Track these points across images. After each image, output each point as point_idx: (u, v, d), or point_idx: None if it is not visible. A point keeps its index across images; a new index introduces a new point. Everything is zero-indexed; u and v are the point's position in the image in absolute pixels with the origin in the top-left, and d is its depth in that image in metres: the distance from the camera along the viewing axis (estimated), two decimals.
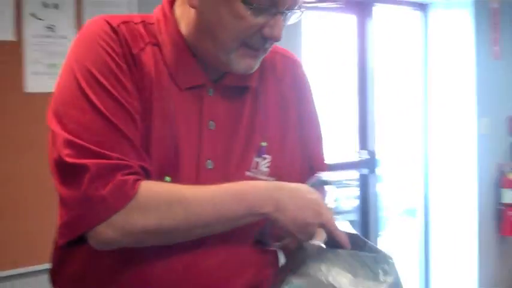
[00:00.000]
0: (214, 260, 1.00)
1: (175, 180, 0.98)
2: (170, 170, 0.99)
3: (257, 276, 1.06)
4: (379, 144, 3.89)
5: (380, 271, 0.97)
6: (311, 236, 0.97)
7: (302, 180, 1.05)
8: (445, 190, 4.06)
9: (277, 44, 1.06)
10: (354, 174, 3.81)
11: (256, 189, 0.98)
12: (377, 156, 3.84)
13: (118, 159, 0.92)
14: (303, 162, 1.14)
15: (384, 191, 5.14)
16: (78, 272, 1.02)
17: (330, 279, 0.95)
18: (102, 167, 0.91)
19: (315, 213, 0.98)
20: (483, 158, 3.96)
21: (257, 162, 1.06)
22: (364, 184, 3.77)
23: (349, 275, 0.96)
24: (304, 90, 1.17)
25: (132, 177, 0.92)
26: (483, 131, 3.97)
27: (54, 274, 1.08)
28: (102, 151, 0.92)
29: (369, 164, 3.75)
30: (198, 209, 0.94)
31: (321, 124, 1.20)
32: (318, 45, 3.78)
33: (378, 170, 3.89)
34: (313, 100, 1.19)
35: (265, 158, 1.07)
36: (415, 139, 4.20)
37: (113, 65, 0.96)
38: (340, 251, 0.98)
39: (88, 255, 0.99)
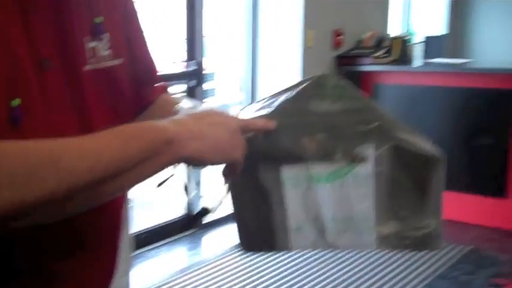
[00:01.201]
0: None
1: (27, 100, 0.70)
2: (16, 89, 0.69)
3: None
4: (208, 57, 3.79)
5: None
6: (236, 152, 0.78)
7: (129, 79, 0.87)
8: None
9: None
10: (182, 87, 3.70)
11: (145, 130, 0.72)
12: (205, 69, 3.75)
13: None
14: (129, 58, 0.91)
15: (212, 104, 5.11)
16: None
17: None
18: None
19: (225, 123, 0.77)
20: (308, 70, 4.02)
21: (93, 49, 0.81)
22: (192, 97, 3.68)
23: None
24: None
25: None
26: (309, 44, 4.02)
27: None
28: None
29: (196, 75, 3.65)
30: (74, 163, 0.65)
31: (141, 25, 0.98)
32: None
33: (205, 83, 3.82)
34: None
35: (102, 39, 0.82)
36: (244, 51, 4.16)
37: None
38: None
39: None
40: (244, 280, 3.09)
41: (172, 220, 3.76)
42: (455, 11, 6.52)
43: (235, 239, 0.84)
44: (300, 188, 0.82)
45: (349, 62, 4.29)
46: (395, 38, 4.48)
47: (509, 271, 3.24)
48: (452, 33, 6.46)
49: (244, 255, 3.39)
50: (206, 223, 3.83)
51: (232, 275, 3.15)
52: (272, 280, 3.08)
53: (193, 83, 3.66)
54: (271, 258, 3.30)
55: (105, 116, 0.82)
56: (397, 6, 5.75)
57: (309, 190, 0.82)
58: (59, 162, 0.63)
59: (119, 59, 0.85)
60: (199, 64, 3.67)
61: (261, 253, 0.92)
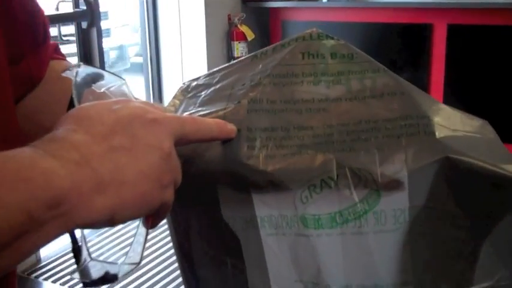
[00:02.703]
0: None
1: None
2: None
3: None
4: None
5: None
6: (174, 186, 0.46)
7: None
8: (175, 44, 3.80)
9: None
10: (72, 28, 3.30)
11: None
12: (99, 8, 3.35)
13: None
14: None
15: (110, 46, 4.73)
16: None
17: None
18: None
19: (155, 141, 0.44)
20: (212, 9, 3.72)
21: None
22: (86, 39, 3.29)
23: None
24: None
25: None
26: None
27: None
28: None
29: (89, 16, 3.25)
30: None
31: None
32: None
33: (101, 23, 3.43)
34: None
35: None
36: None
37: None
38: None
39: None
40: None
41: None
42: None
43: None
44: (285, 236, 0.49)
45: None
46: None
47: None
48: None
49: None
50: None
51: None
52: None
53: (85, 24, 3.26)
54: None
55: None
56: None
57: (301, 238, 0.48)
58: None
59: None
60: (91, 3, 3.27)
61: None
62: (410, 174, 0.46)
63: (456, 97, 3.65)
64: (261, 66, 0.54)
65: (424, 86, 3.69)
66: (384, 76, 0.52)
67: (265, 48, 0.56)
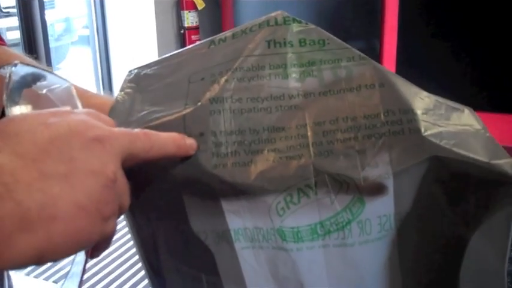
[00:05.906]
0: None
1: None
2: None
3: None
4: None
5: None
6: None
7: None
8: (122, 14, 3.67)
9: None
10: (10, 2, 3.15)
11: None
12: None
13: None
14: None
15: (54, 19, 4.55)
16: None
17: None
18: None
19: (97, 165, 0.36)
20: None
21: None
22: (27, 11, 3.14)
23: None
24: None
25: None
26: None
27: None
28: None
29: None
30: None
31: None
32: None
33: None
34: None
35: None
36: None
37: None
38: None
39: None
40: None
41: None
42: None
43: None
44: (262, 249, 0.44)
45: None
46: None
47: None
48: None
49: None
50: None
51: None
52: None
53: None
54: None
55: None
56: None
57: (280, 252, 0.44)
58: None
59: None
60: None
61: None
62: (396, 177, 0.42)
63: (409, 66, 3.66)
64: (220, 57, 0.47)
65: (377, 55, 3.68)
66: (359, 65, 0.46)
67: (223, 34, 0.50)
